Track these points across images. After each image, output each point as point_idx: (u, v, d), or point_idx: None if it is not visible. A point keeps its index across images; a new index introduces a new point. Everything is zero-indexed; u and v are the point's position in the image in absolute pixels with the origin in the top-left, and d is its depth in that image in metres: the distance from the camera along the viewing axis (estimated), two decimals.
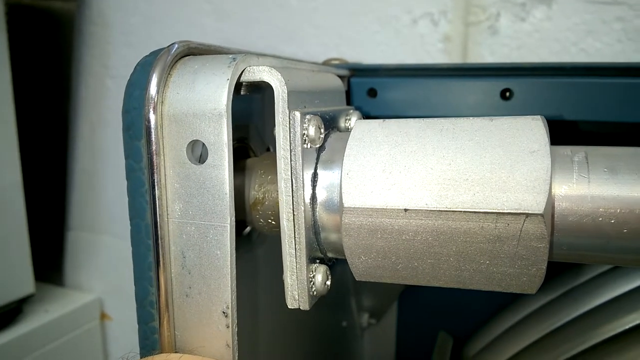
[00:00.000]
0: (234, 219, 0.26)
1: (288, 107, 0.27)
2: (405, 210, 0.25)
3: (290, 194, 0.27)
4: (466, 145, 0.26)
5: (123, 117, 0.26)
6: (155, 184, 0.26)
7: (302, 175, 0.27)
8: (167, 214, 0.26)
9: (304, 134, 0.27)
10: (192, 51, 0.28)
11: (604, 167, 0.25)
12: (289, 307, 0.28)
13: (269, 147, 0.38)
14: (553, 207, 0.24)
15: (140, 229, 0.27)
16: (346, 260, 0.29)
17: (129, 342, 0.30)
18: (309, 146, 0.28)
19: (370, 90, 0.41)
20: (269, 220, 0.31)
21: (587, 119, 0.35)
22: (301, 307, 0.28)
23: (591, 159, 0.25)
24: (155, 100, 0.26)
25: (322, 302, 0.43)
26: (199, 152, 0.27)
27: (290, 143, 0.27)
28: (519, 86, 0.37)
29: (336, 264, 0.32)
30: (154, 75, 0.26)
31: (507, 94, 0.38)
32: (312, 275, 0.28)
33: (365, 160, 0.27)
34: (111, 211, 0.87)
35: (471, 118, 0.27)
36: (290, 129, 0.27)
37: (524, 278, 0.25)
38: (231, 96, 0.25)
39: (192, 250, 0.26)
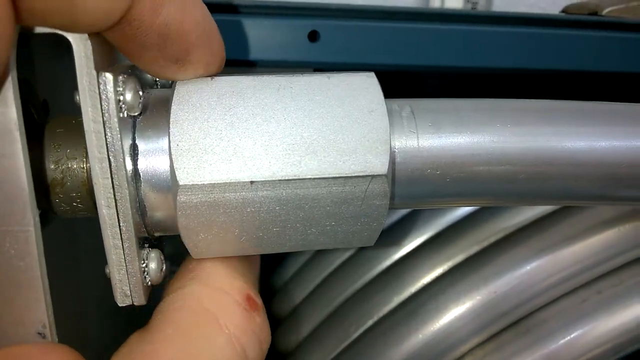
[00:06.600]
0: (38, 218, 0.20)
1: (95, 68, 0.21)
2: (252, 182, 0.23)
3: (109, 176, 0.22)
4: (307, 106, 0.24)
5: None
6: None
7: (122, 151, 0.22)
8: None
9: (120, 100, 0.22)
10: None
11: (428, 122, 0.26)
12: (120, 304, 0.24)
13: (46, 100, 0.30)
14: (391, 164, 0.25)
15: None
16: (177, 236, 0.26)
17: None
18: (125, 115, 0.22)
19: None
20: (74, 204, 0.25)
21: (389, 63, 0.37)
22: (135, 303, 0.24)
23: (417, 114, 0.26)
24: None
25: None
26: None
27: (102, 114, 0.21)
28: (326, 28, 0.37)
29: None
30: None
31: (314, 35, 0.37)
32: (144, 265, 0.24)
33: (197, 127, 0.23)
34: None
35: (308, 75, 0.25)
36: (100, 95, 0.21)
37: (365, 233, 0.26)
38: (15, 49, 0.18)
39: None
